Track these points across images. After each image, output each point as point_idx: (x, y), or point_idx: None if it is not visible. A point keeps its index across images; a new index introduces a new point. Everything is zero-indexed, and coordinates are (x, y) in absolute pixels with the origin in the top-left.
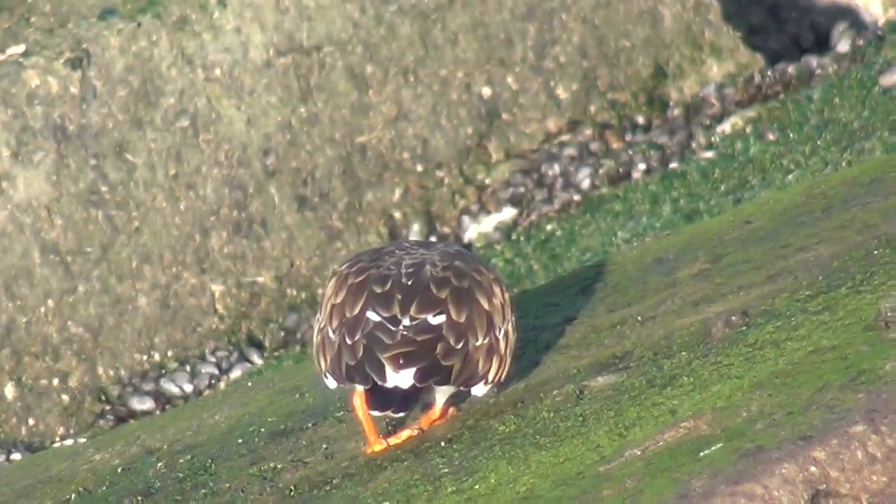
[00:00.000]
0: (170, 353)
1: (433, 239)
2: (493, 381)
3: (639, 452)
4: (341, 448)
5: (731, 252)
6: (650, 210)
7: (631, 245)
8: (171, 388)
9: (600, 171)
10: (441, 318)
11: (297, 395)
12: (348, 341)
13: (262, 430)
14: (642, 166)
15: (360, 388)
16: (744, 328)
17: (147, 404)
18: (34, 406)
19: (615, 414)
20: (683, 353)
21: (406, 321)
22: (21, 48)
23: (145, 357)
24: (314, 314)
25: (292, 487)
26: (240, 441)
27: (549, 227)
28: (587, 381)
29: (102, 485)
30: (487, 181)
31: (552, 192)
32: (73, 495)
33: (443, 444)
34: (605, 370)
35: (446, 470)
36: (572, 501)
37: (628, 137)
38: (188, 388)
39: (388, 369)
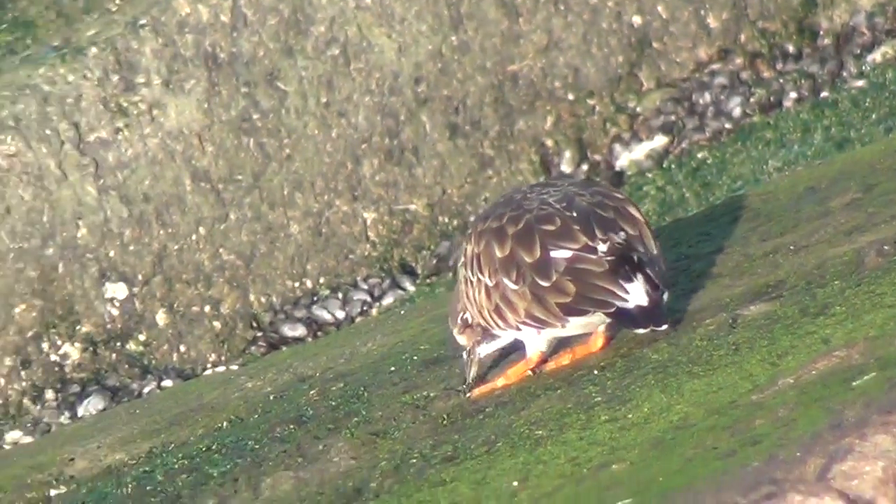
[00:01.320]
0: (322, 281)
1: (584, 167)
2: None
3: (791, 381)
4: (494, 376)
5: (883, 181)
6: (801, 139)
7: (782, 174)
8: (323, 315)
9: (751, 100)
10: (623, 235)
11: None
12: (544, 283)
13: (415, 358)
14: (793, 95)
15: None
16: None
17: (299, 331)
18: (186, 333)
19: (768, 343)
20: (836, 282)
21: (601, 246)
22: None
23: (297, 284)
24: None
25: (445, 416)
26: (392, 369)
27: (700, 156)
28: (740, 310)
29: (254, 412)
30: (639, 109)
31: (703, 121)
32: (224, 423)
33: (596, 372)
34: (758, 299)
35: (599, 398)
36: (725, 430)
37: (779, 66)
38: (340, 315)
39: (620, 291)
